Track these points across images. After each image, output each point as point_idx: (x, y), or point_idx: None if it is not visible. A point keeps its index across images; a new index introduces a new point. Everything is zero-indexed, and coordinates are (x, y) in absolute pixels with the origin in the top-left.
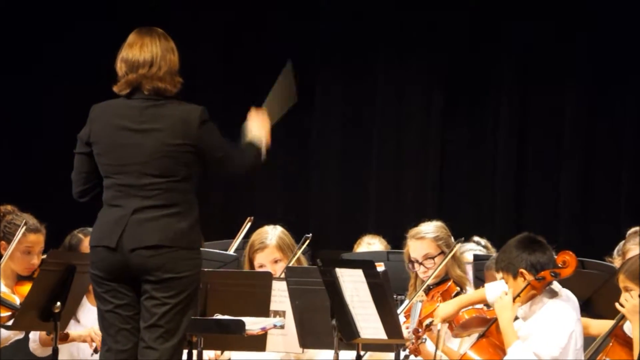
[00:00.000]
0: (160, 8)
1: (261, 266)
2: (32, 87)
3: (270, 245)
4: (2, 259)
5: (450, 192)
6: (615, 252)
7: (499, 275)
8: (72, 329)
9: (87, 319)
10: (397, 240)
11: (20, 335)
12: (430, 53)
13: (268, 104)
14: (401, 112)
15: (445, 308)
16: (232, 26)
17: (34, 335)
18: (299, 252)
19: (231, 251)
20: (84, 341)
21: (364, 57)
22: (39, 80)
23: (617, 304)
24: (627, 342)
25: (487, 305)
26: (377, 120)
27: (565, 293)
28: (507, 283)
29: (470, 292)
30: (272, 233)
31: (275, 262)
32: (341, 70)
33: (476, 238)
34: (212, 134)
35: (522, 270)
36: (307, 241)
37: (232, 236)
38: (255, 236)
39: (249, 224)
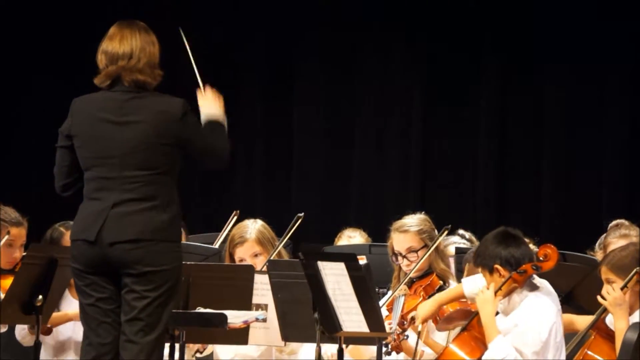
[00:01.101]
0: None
1: (241, 260)
2: (13, 80)
3: (250, 239)
4: None
5: (432, 185)
6: (597, 245)
7: (479, 269)
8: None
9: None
10: (378, 234)
11: (3, 328)
12: (411, 50)
13: (198, 74)
14: (382, 105)
15: (425, 308)
16: (211, 23)
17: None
18: (290, 234)
19: (217, 245)
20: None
21: (344, 53)
22: (19, 73)
23: (599, 297)
24: (609, 335)
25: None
26: (358, 113)
27: (546, 286)
28: (484, 278)
29: (448, 289)
30: (252, 227)
31: (255, 256)
32: (322, 64)
33: (460, 231)
34: (194, 125)
35: (496, 265)
36: (300, 220)
37: (213, 229)
38: (235, 230)
39: (235, 217)
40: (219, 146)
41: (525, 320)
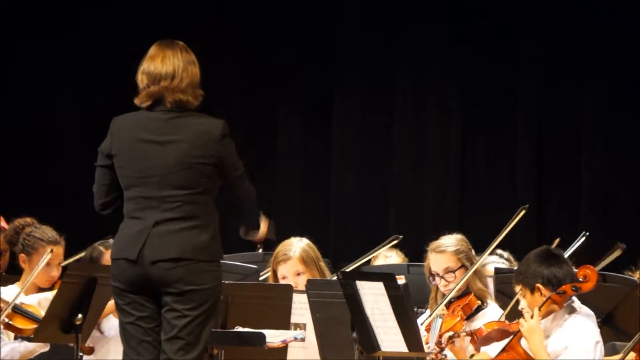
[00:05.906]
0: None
1: (284, 278)
2: (51, 98)
3: (293, 258)
4: (28, 277)
5: (471, 204)
6: None
7: (518, 287)
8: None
9: (109, 331)
10: (416, 253)
11: (45, 348)
12: (449, 64)
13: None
14: (421, 123)
15: None
16: (249, 35)
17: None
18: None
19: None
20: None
21: (382, 67)
22: (58, 93)
23: None
24: None
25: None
26: (396, 130)
27: (584, 309)
28: (524, 297)
29: (477, 356)
30: (297, 245)
31: (298, 274)
32: (360, 80)
33: (499, 251)
34: (232, 150)
35: (538, 285)
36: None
37: (250, 248)
38: (280, 247)
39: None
40: (250, 192)
41: (575, 342)
